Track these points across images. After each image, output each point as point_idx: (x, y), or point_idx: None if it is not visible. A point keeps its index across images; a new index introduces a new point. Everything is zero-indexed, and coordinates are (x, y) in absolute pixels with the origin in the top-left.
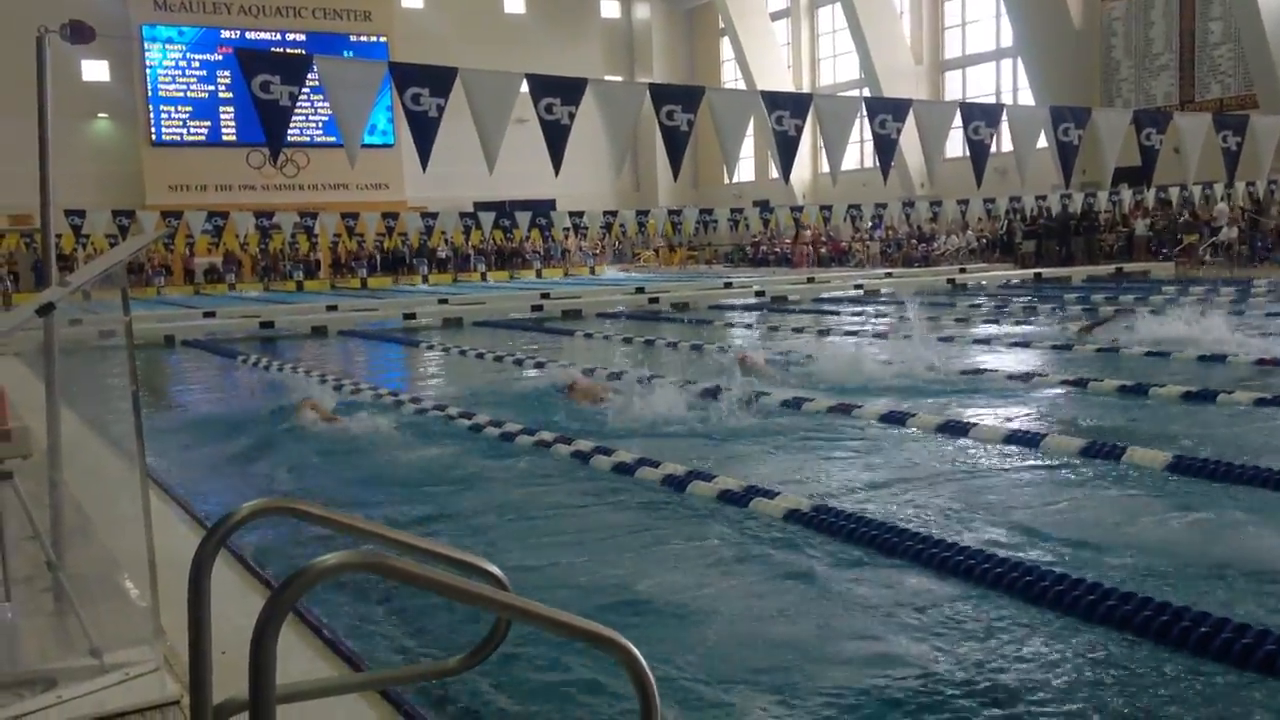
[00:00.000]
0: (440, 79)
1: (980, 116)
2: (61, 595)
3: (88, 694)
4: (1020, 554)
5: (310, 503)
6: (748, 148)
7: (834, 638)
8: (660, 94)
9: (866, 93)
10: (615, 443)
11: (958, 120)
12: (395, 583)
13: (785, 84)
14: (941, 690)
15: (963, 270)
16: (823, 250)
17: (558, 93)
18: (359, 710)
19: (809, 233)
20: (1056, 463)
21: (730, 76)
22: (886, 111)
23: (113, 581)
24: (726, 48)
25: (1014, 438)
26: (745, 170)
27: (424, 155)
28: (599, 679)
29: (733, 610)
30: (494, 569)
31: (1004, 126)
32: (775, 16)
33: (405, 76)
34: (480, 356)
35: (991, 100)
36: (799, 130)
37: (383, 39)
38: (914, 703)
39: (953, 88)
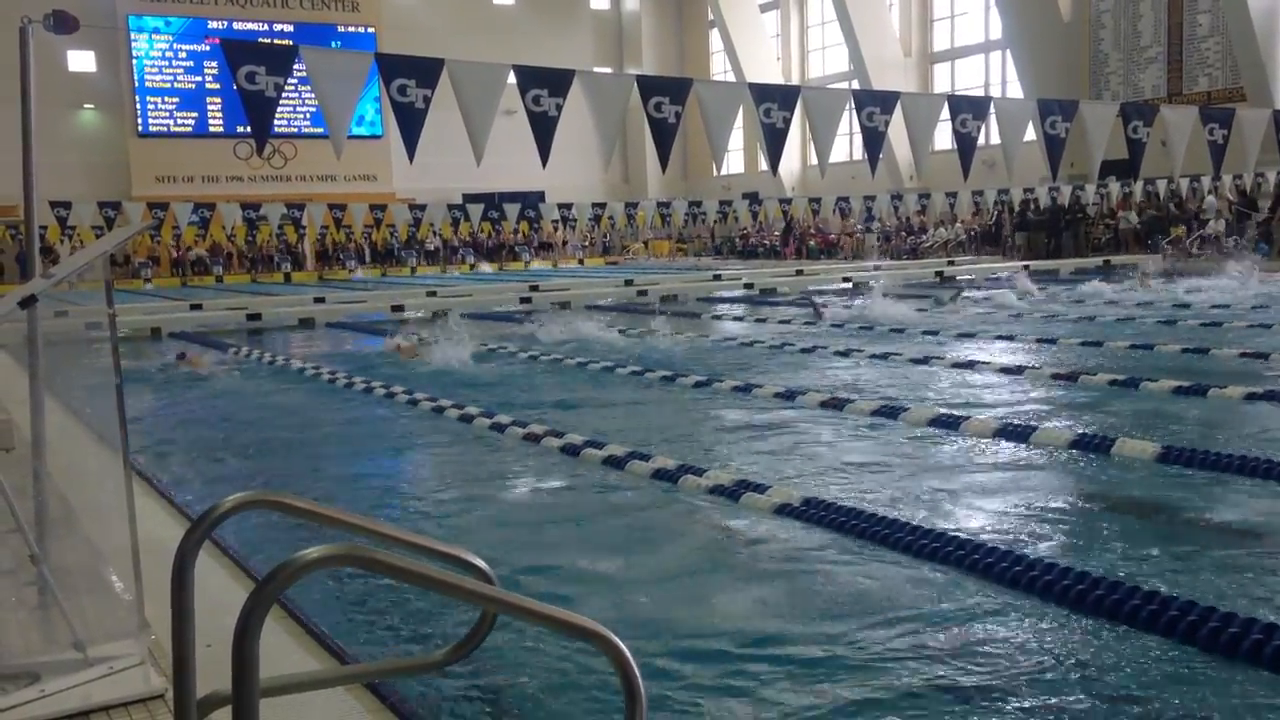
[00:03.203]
0: (426, 70)
1: (968, 109)
2: (45, 588)
3: (72, 688)
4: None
5: (296, 496)
6: (737, 140)
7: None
8: (648, 85)
9: (856, 85)
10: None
11: (946, 113)
12: (381, 576)
13: (775, 76)
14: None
15: (951, 263)
16: (811, 243)
17: (545, 84)
18: (344, 704)
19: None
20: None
21: (720, 68)
22: (874, 104)
23: (97, 574)
24: (716, 39)
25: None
26: (734, 162)
27: (411, 146)
28: (585, 670)
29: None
30: (480, 562)
31: (991, 119)
32: (764, 8)
33: (391, 67)
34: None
35: (980, 93)
36: (787, 122)
37: (371, 30)
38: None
39: (942, 80)
